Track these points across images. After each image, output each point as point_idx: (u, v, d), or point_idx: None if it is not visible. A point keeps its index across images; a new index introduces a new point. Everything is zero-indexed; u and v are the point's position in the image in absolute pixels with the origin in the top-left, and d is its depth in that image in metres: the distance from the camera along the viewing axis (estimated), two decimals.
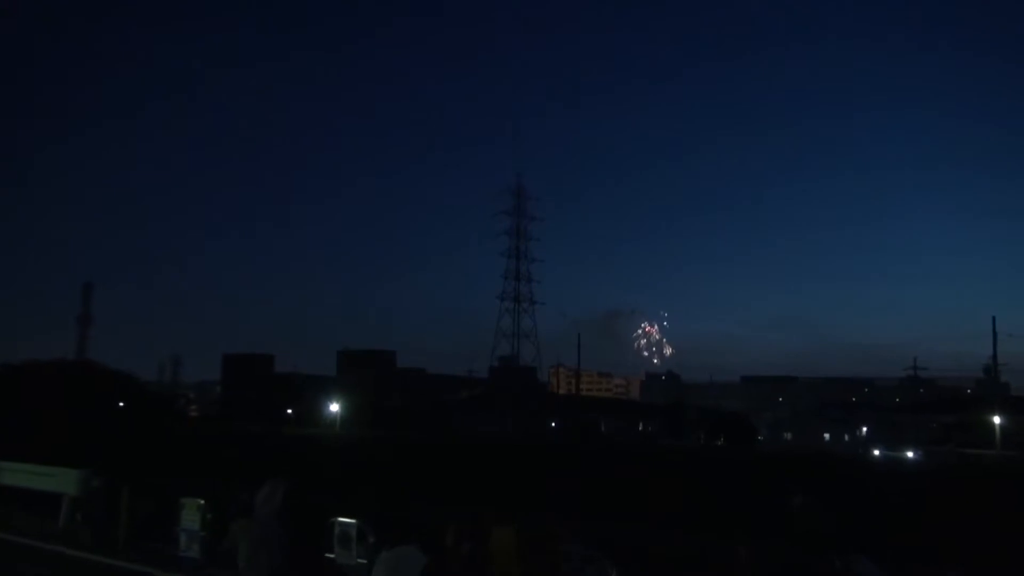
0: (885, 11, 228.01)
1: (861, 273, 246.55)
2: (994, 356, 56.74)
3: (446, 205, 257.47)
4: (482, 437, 42.14)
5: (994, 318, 54.63)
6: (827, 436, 72.03)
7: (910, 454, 44.90)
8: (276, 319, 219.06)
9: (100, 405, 25.96)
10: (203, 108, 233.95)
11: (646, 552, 10.78)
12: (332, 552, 11.17)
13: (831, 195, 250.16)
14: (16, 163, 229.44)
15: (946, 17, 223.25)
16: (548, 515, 11.46)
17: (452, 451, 24.36)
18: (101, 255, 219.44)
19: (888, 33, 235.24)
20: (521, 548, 10.53)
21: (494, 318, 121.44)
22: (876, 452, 48.95)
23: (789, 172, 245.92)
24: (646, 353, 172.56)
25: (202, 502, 12.28)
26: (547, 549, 10.55)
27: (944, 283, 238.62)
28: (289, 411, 73.73)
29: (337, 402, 64.99)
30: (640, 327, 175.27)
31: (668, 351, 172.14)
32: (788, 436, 74.63)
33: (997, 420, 50.04)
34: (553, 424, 78.37)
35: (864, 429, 71.19)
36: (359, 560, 10.81)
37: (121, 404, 28.43)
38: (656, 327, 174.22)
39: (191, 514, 12.32)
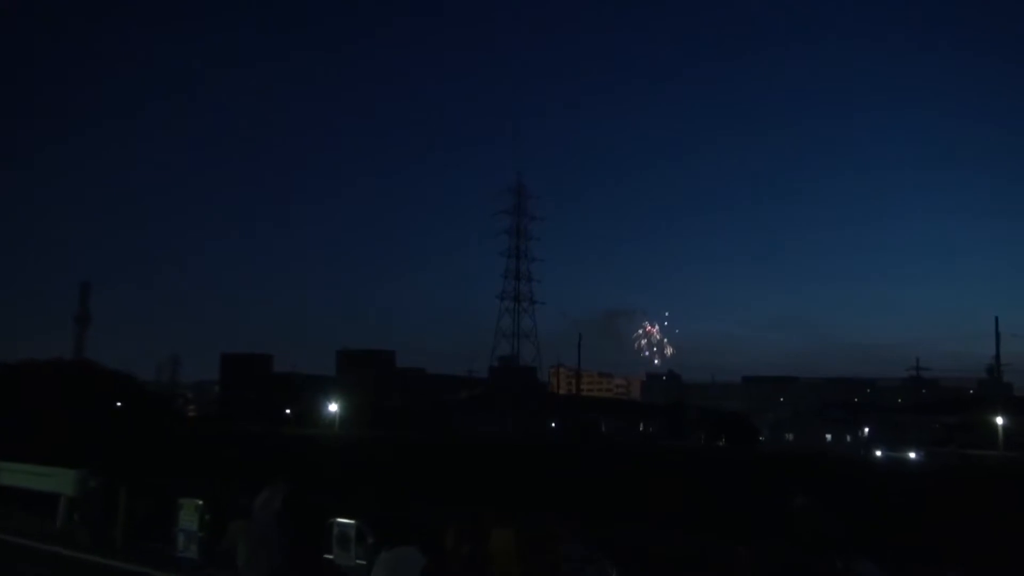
0: (885, 11, 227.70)
1: (862, 273, 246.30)
2: (997, 356, 56.54)
3: (446, 205, 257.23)
4: (482, 437, 42.07)
5: (997, 318, 54.35)
6: (829, 437, 71.81)
7: (912, 455, 44.77)
8: (275, 319, 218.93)
9: (99, 405, 25.91)
10: (203, 108, 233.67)
11: (646, 552, 10.72)
12: (331, 553, 11.12)
13: (831, 195, 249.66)
14: (16, 163, 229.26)
15: (946, 17, 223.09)
16: (548, 515, 11.42)
17: (452, 451, 24.30)
18: (100, 255, 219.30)
19: (888, 33, 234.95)
20: (521, 549, 10.48)
21: (494, 318, 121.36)
22: (878, 453, 48.83)
23: (789, 172, 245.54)
24: (647, 353, 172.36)
25: (200, 502, 12.23)
26: (547, 549, 10.51)
27: (945, 283, 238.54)
28: (288, 411, 73.65)
29: (336, 402, 64.88)
30: (640, 327, 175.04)
31: (669, 351, 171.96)
32: (789, 437, 74.44)
33: (1000, 421, 49.75)
34: (553, 424, 78.31)
35: (866, 430, 70.98)
36: (358, 561, 10.75)
37: (119, 404, 28.38)
38: (656, 327, 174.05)
39: (189, 514, 12.27)
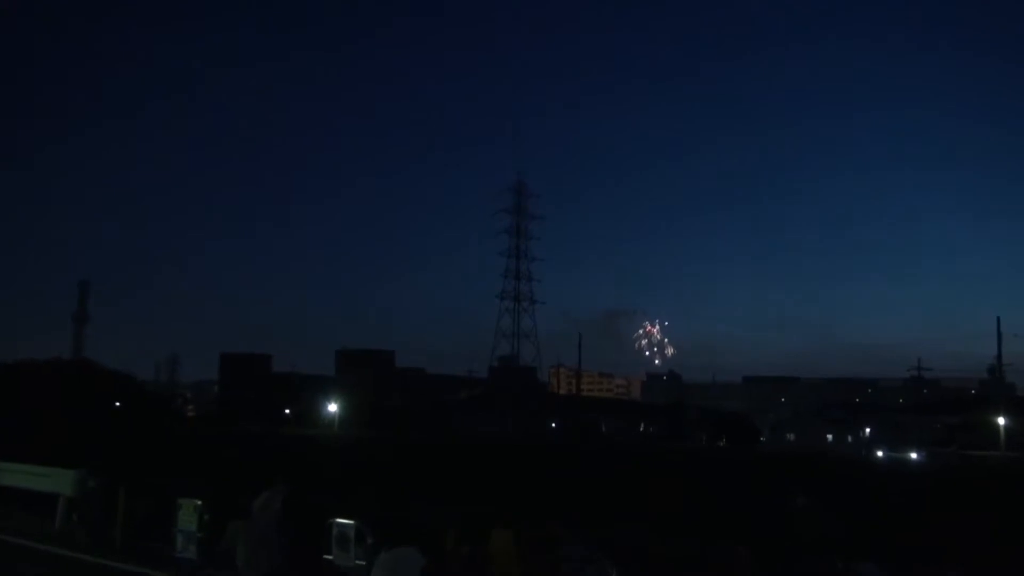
0: (885, 11, 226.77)
1: (862, 273, 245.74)
2: (999, 356, 56.35)
3: (446, 205, 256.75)
4: (482, 437, 42.10)
5: (999, 318, 54.20)
6: (830, 437, 71.70)
7: (913, 455, 44.73)
8: (275, 319, 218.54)
9: (99, 405, 25.90)
10: (203, 108, 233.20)
11: (646, 552, 10.69)
12: (331, 553, 11.09)
13: (831, 195, 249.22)
14: (16, 163, 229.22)
15: (946, 17, 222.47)
16: (548, 516, 11.40)
17: (452, 451, 24.31)
18: (100, 254, 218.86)
19: (888, 33, 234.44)
20: (521, 549, 10.47)
21: (494, 318, 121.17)
22: (879, 453, 48.77)
23: (789, 172, 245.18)
24: (648, 352, 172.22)
25: (199, 503, 12.20)
26: (547, 550, 10.49)
27: (947, 283, 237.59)
28: (287, 411, 73.62)
29: (335, 402, 64.85)
30: (641, 327, 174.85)
31: (669, 351, 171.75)
32: (790, 437, 74.38)
33: (1002, 421, 49.59)
34: (553, 424, 78.31)
35: (867, 430, 70.92)
36: (357, 562, 10.72)
37: (119, 404, 28.36)
38: (657, 327, 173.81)
39: (188, 515, 12.24)
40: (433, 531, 11.02)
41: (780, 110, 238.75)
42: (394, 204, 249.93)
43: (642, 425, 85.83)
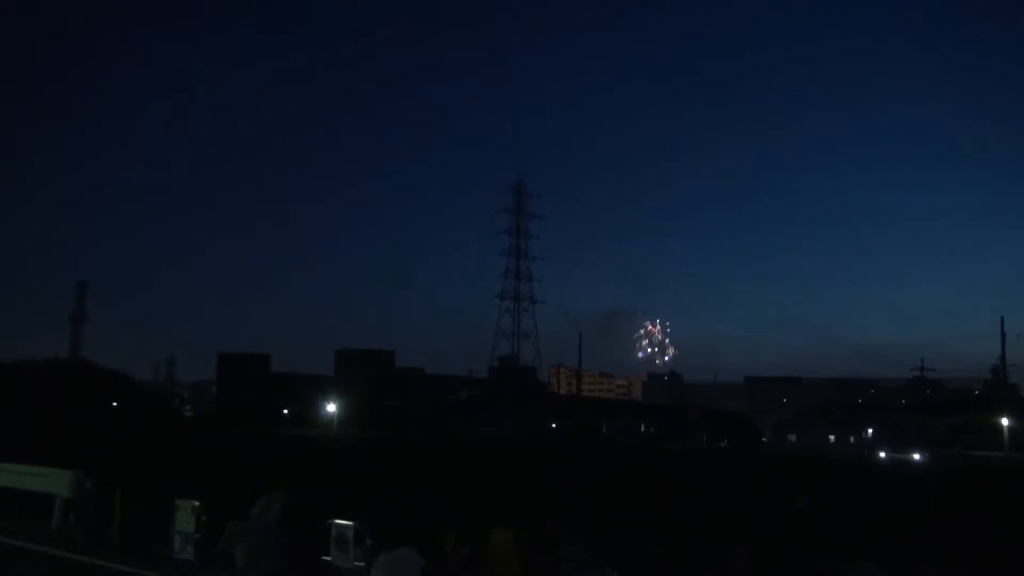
0: (885, 11, 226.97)
1: (863, 273, 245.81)
2: (1002, 357, 56.24)
3: (446, 205, 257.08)
4: (482, 437, 42.05)
5: (1002, 318, 54.33)
6: (832, 438, 71.51)
7: (916, 456, 44.55)
8: (274, 319, 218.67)
9: (98, 405, 25.79)
10: (203, 108, 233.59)
11: (646, 552, 10.63)
12: (330, 554, 11.03)
13: (831, 195, 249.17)
14: (15, 163, 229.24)
15: (946, 17, 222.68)
16: (548, 516, 11.34)
17: (451, 451, 24.25)
18: (99, 254, 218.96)
19: (888, 33, 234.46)
20: (521, 549, 10.42)
21: (494, 318, 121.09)
22: (882, 454, 48.61)
23: (789, 172, 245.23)
24: (648, 351, 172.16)
25: (196, 504, 12.14)
26: (547, 550, 10.43)
27: (947, 283, 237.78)
28: (286, 411, 73.49)
29: (334, 402, 64.75)
30: (642, 327, 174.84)
31: (671, 351, 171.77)
32: (792, 438, 74.24)
33: (1005, 422, 49.40)
34: (553, 425, 78.23)
35: (870, 431, 70.72)
36: (356, 563, 10.66)
37: (116, 404, 28.25)
38: (658, 327, 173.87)
39: (185, 516, 12.18)
40: (433, 531, 10.98)
41: (780, 110, 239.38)
42: (394, 204, 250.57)
43: (643, 425, 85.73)
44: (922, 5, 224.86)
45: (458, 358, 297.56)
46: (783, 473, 18.63)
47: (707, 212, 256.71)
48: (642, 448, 38.73)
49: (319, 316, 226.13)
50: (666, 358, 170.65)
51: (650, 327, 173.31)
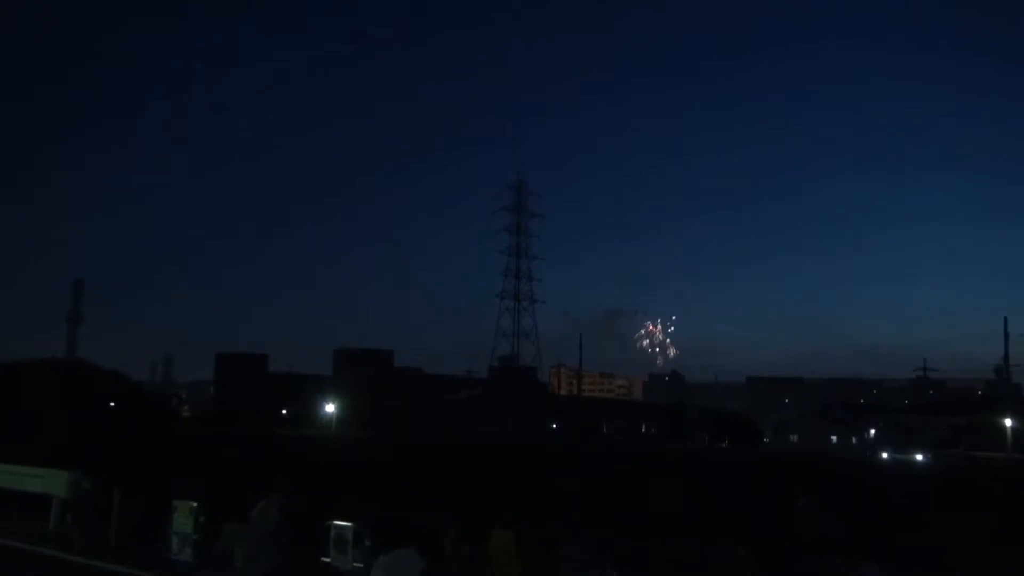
0: (885, 11, 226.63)
1: (863, 273, 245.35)
2: (1006, 357, 56.25)
3: (446, 205, 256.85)
4: (482, 437, 42.06)
5: (1006, 318, 54.45)
6: (834, 438, 71.40)
7: (919, 457, 44.46)
8: (274, 318, 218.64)
9: (97, 405, 25.78)
10: (203, 108, 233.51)
11: (646, 552, 10.60)
12: (329, 556, 10.99)
13: (831, 195, 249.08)
14: (15, 162, 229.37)
15: (946, 17, 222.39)
16: (548, 516, 11.29)
17: (451, 451, 24.22)
18: (98, 254, 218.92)
19: (888, 33, 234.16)
20: (521, 549, 10.38)
21: (494, 317, 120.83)
22: (884, 455, 48.53)
23: (789, 172, 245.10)
24: (650, 351, 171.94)
25: (194, 504, 12.08)
26: (547, 550, 10.39)
27: (948, 283, 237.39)
28: (284, 411, 73.43)
29: (333, 402, 64.69)
30: (643, 327, 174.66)
31: (671, 351, 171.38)
32: (794, 438, 74.19)
33: (1008, 422, 49.32)
34: (553, 425, 78.23)
35: (872, 431, 70.59)
36: (355, 564, 10.62)
37: (114, 404, 28.22)
38: (659, 327, 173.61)
39: (183, 517, 12.11)
40: (433, 531, 10.93)
41: (780, 110, 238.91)
42: (394, 204, 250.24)
43: (643, 425, 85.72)
44: (922, 5, 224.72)
45: (458, 358, 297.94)
46: (783, 473, 18.61)
47: (707, 212, 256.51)
48: (642, 448, 38.73)
49: (318, 316, 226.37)
50: (667, 358, 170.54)
51: (651, 327, 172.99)
